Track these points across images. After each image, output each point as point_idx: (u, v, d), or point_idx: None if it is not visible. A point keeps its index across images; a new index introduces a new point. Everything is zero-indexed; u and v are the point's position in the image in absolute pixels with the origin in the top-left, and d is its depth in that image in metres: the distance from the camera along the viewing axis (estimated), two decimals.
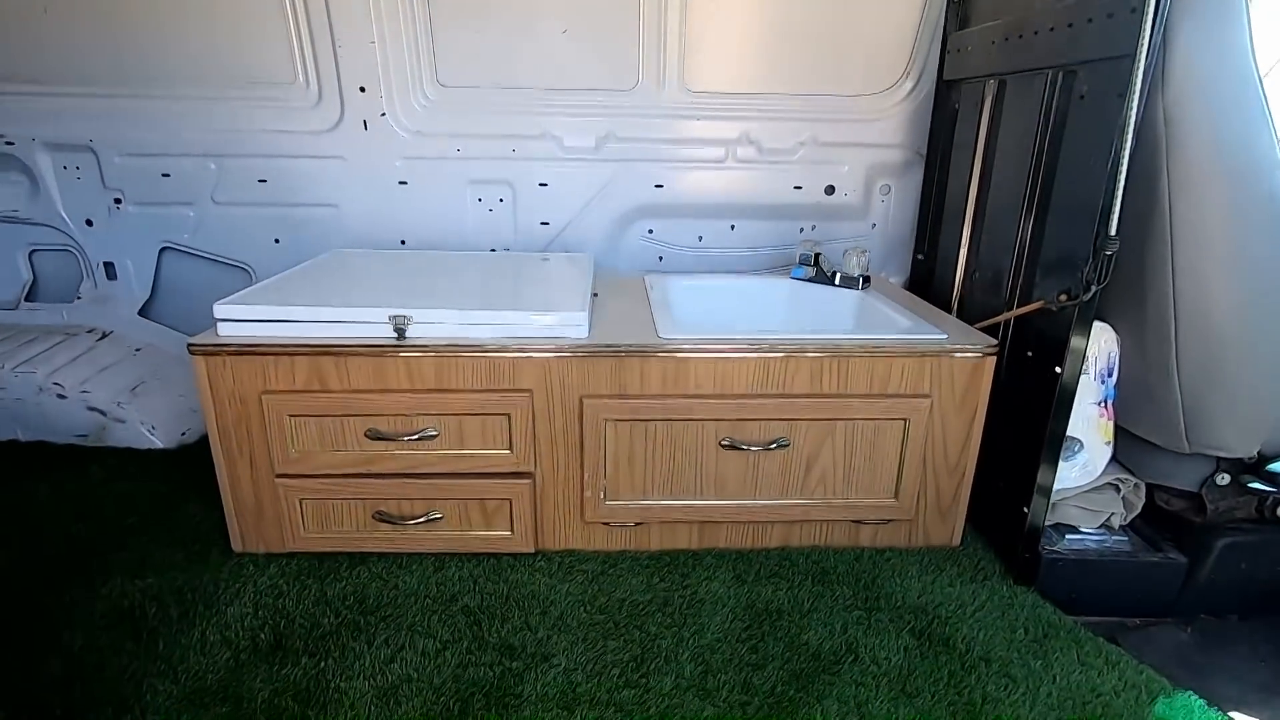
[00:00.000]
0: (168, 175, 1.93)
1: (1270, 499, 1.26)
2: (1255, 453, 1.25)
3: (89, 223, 1.97)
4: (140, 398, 1.84)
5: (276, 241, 2.00)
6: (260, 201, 1.95)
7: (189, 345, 1.28)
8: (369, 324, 1.30)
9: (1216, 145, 1.10)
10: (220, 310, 1.29)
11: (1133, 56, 1.05)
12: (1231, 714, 1.12)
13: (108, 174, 1.91)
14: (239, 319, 1.29)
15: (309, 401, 1.30)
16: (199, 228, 1.98)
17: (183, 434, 1.84)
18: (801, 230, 2.05)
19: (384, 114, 1.88)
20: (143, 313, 2.06)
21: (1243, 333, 1.15)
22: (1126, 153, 1.10)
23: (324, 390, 1.30)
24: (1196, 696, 1.11)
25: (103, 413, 1.78)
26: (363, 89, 1.85)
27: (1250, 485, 1.27)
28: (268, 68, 1.84)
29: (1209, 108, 1.09)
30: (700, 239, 2.06)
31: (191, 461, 1.72)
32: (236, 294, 1.37)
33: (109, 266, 2.01)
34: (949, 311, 1.65)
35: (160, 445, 1.80)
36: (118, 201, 1.95)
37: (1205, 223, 1.12)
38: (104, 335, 1.97)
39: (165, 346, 2.02)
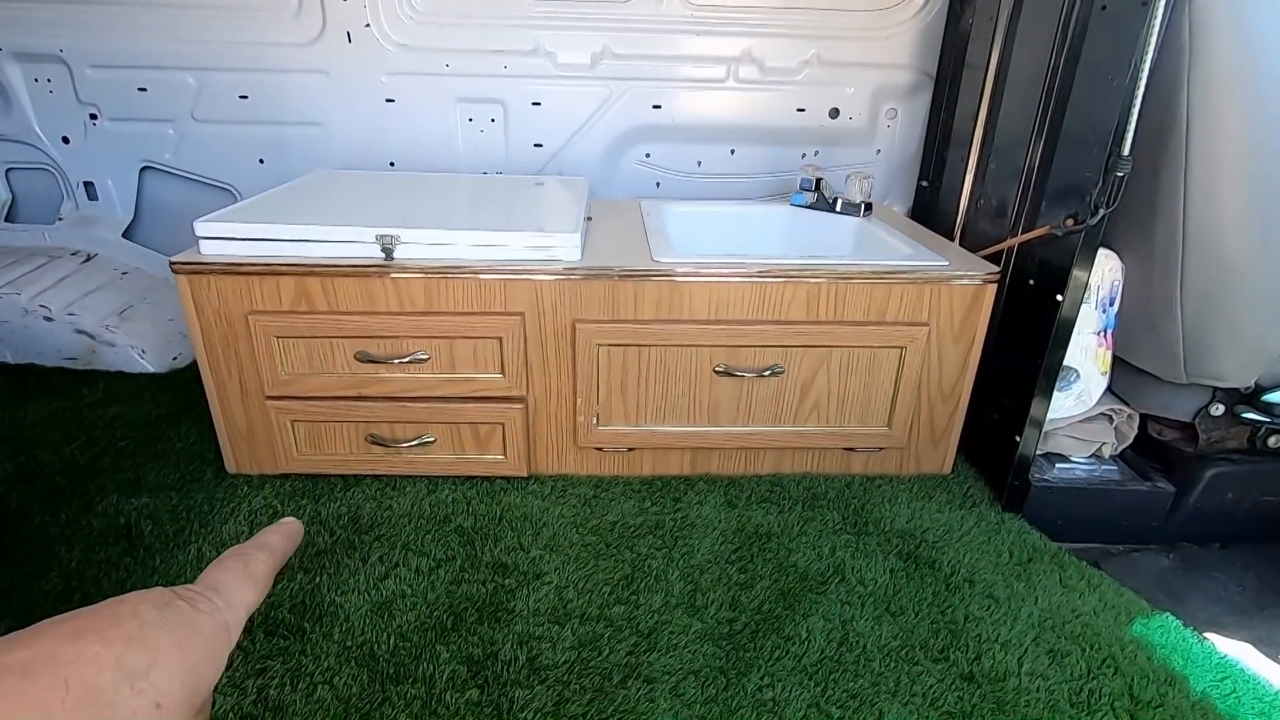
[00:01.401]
0: (144, 90, 1.84)
1: (1263, 429, 1.26)
2: (1252, 383, 1.24)
3: (65, 140, 1.90)
4: (129, 321, 1.81)
5: (261, 162, 1.93)
6: (242, 119, 1.88)
7: (171, 263, 1.24)
8: (355, 243, 1.27)
9: (1242, 58, 1.04)
10: (201, 228, 1.25)
11: None
12: (1207, 634, 1.15)
13: (81, 87, 1.83)
14: (221, 236, 1.26)
15: (296, 322, 1.27)
16: (180, 146, 1.91)
17: (174, 358, 1.83)
18: (804, 156, 1.98)
19: (368, 25, 1.78)
20: (127, 235, 2.01)
21: (1250, 259, 1.12)
22: (1147, 66, 1.04)
23: (311, 311, 1.27)
24: (1174, 618, 1.14)
25: (91, 336, 1.75)
26: None
27: (1244, 416, 1.27)
28: None
29: (1238, 17, 1.02)
30: (699, 164, 1.99)
31: (184, 385, 1.71)
32: (218, 211, 1.32)
33: (89, 186, 1.95)
34: (951, 239, 1.61)
35: (151, 369, 1.78)
36: (93, 117, 1.87)
37: (1222, 143, 1.07)
38: (88, 258, 1.93)
39: (152, 270, 1.98)
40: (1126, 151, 1.09)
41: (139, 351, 1.78)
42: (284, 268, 1.24)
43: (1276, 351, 1.21)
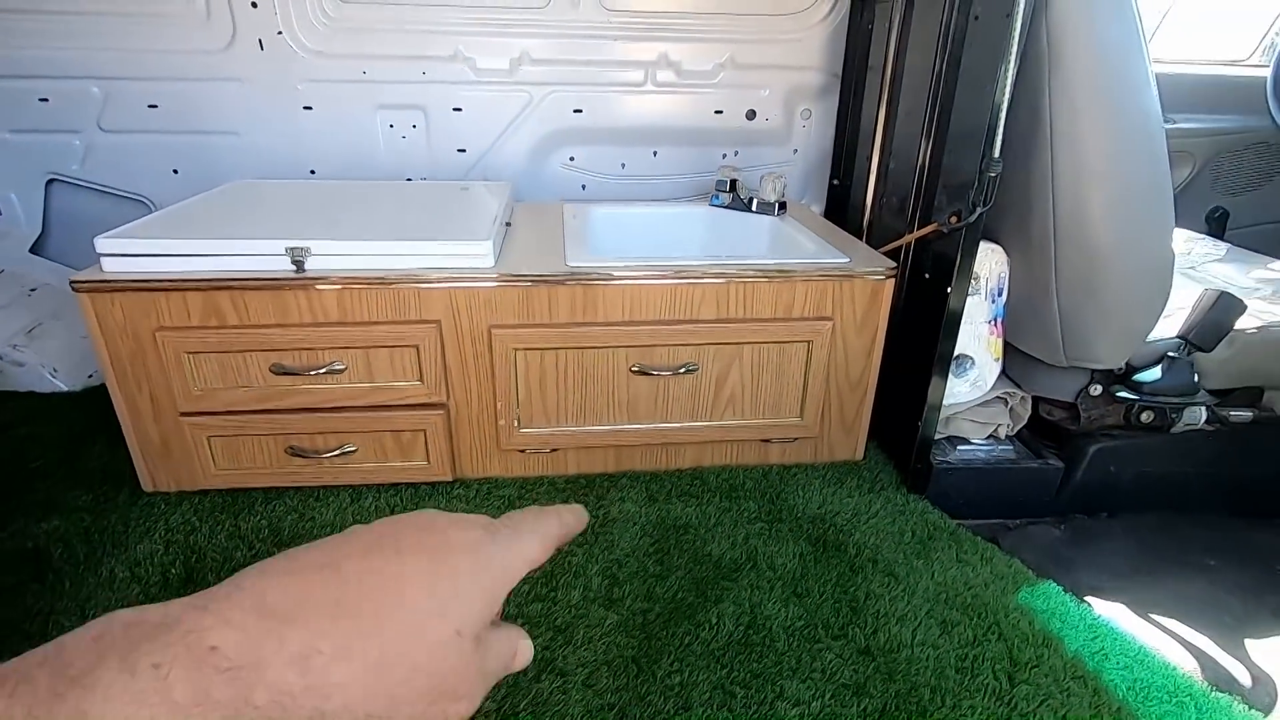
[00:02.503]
0: (46, 100, 1.79)
1: (1136, 406, 1.37)
2: (1124, 364, 1.34)
3: None
4: (39, 339, 1.76)
5: (175, 172, 1.89)
6: (153, 129, 1.84)
7: (71, 282, 1.22)
8: (266, 256, 1.27)
9: (1094, 64, 1.12)
10: (103, 245, 1.24)
11: None
12: (1087, 598, 1.24)
13: None
14: (125, 253, 1.24)
15: (207, 337, 1.27)
16: (87, 157, 1.85)
17: (89, 376, 1.78)
18: (725, 156, 2.04)
19: (280, 32, 1.76)
20: (36, 250, 1.95)
21: (1115, 248, 1.22)
22: (1011, 74, 1.12)
23: (221, 326, 1.27)
24: (1055, 585, 1.23)
25: None
26: (254, 4, 1.73)
27: (1119, 395, 1.37)
28: None
29: (1088, 27, 1.11)
30: (623, 166, 2.03)
31: (98, 403, 1.66)
32: (121, 227, 1.30)
33: None
34: (860, 236, 1.69)
35: (64, 388, 1.74)
36: None
37: (1083, 141, 1.16)
38: None
39: (62, 286, 1.91)
40: (997, 154, 1.17)
41: (50, 370, 1.73)
42: (191, 283, 1.24)
43: (1143, 334, 1.31)
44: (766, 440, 1.52)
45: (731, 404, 1.46)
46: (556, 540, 0.34)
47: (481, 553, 0.30)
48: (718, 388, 1.44)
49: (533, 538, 0.32)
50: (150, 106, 1.81)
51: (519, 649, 0.32)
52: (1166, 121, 2.01)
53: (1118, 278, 1.24)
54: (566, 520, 0.35)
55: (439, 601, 0.27)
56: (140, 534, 1.28)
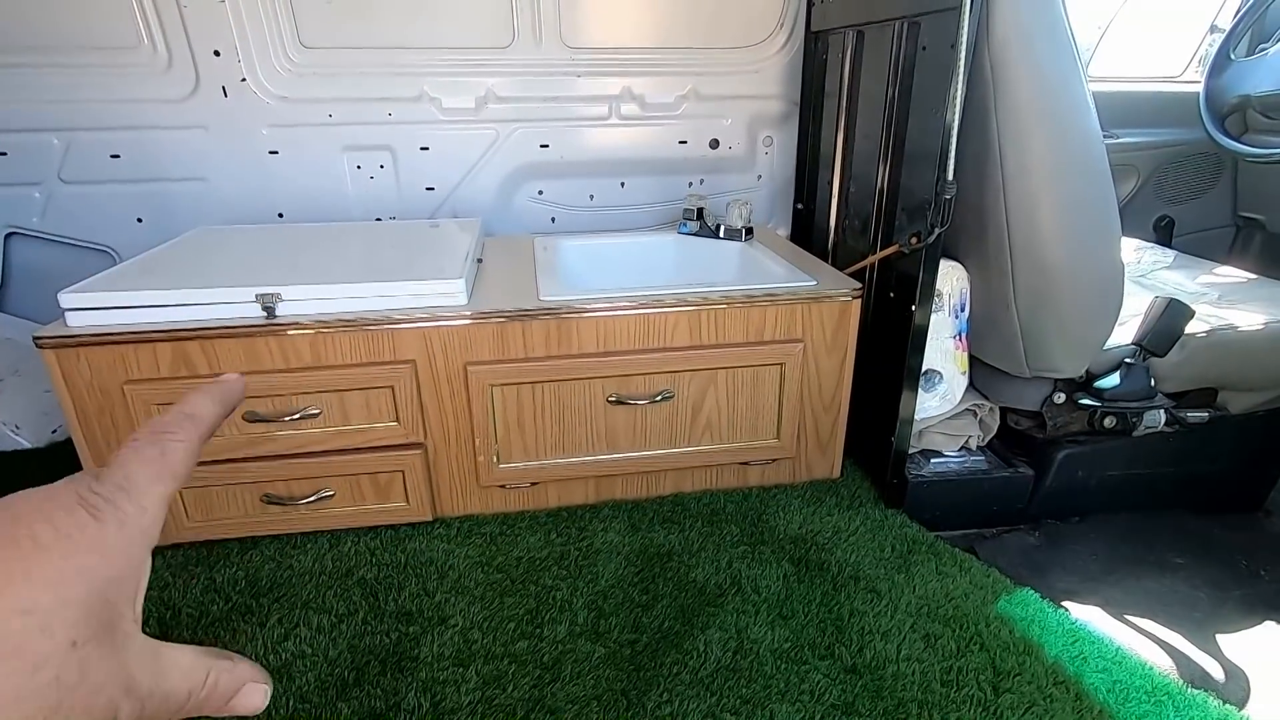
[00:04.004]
0: (4, 154, 1.77)
1: (1098, 412, 1.41)
2: (1084, 372, 1.39)
3: None
4: (0, 396, 1.72)
5: (139, 221, 1.88)
6: (115, 178, 1.82)
7: (35, 338, 1.21)
8: (235, 304, 1.26)
9: (1036, 89, 1.18)
10: (66, 299, 1.22)
11: (959, 9, 1.11)
12: (1064, 603, 1.27)
13: None
14: (90, 306, 1.23)
15: (176, 388, 1.25)
16: (48, 209, 1.83)
17: (53, 432, 1.74)
18: (690, 185, 2.08)
19: (244, 79, 1.77)
20: None
21: (1067, 262, 1.27)
22: (959, 101, 1.17)
23: (192, 376, 1.25)
24: (1033, 591, 1.25)
25: None
26: (217, 53, 1.74)
27: (1081, 402, 1.41)
28: (108, 31, 1.69)
29: (1028, 54, 1.16)
30: (592, 198, 2.06)
31: (64, 460, 1.63)
32: (85, 280, 1.29)
33: None
34: (825, 258, 1.73)
35: (28, 445, 1.69)
36: None
37: (1029, 161, 1.21)
38: None
39: (24, 340, 1.88)
40: (950, 176, 1.21)
41: (12, 428, 1.68)
42: (159, 334, 1.22)
43: (1100, 343, 1.36)
44: (745, 463, 1.54)
45: (709, 429, 1.47)
46: (195, 453, 0.29)
47: (74, 546, 0.23)
48: (694, 413, 1.45)
49: (149, 496, 0.26)
50: (112, 156, 1.80)
51: (218, 683, 0.27)
52: (1110, 137, 2.11)
53: (1071, 290, 1.29)
54: (205, 416, 0.30)
55: (34, 616, 0.22)
56: None
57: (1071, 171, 1.23)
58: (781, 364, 1.44)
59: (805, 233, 1.95)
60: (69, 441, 1.71)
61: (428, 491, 1.41)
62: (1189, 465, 1.52)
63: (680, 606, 1.22)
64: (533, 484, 1.47)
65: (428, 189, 1.96)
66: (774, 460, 1.54)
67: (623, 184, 2.05)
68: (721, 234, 1.80)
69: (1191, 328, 1.36)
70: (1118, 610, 1.26)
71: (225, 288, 1.26)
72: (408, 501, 1.41)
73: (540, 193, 2.03)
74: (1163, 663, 1.15)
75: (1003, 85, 1.19)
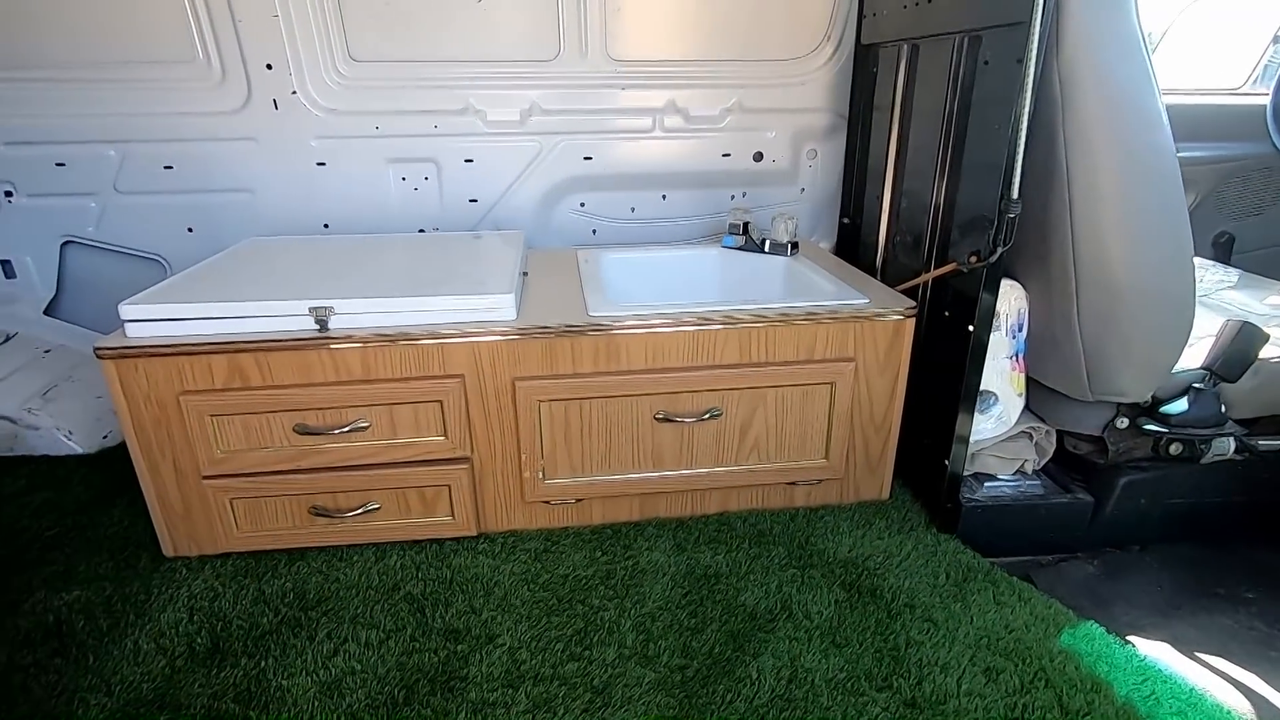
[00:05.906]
0: (63, 165, 1.81)
1: (1164, 438, 1.36)
2: (1149, 397, 1.34)
3: None
4: (54, 402, 1.75)
5: (190, 231, 1.91)
6: (168, 189, 1.86)
7: (95, 349, 1.22)
8: (288, 317, 1.27)
9: (1107, 104, 1.14)
10: (127, 311, 1.24)
11: (1028, 23, 1.08)
12: (1130, 637, 1.22)
13: None
14: (148, 319, 1.24)
15: (231, 400, 1.26)
16: (103, 219, 1.87)
17: (104, 437, 1.77)
18: (733, 198, 2.06)
19: (295, 92, 1.79)
20: (50, 312, 1.95)
21: (1136, 283, 1.22)
22: (1025, 117, 1.13)
23: (246, 387, 1.26)
24: (1098, 625, 1.20)
25: (12, 420, 1.69)
26: (269, 66, 1.76)
27: (1145, 427, 1.36)
28: (164, 45, 1.73)
29: (1099, 69, 1.13)
30: (633, 210, 2.05)
31: (115, 465, 1.65)
32: (144, 292, 1.31)
33: (6, 265, 1.89)
34: (873, 274, 1.70)
35: (80, 450, 1.72)
36: (8, 195, 1.82)
37: (1099, 179, 1.17)
38: (7, 338, 1.86)
39: (77, 346, 1.92)
40: (1015, 195, 1.18)
41: (65, 433, 1.72)
42: (215, 346, 1.23)
43: (1168, 367, 1.31)
44: (792, 483, 1.51)
45: (756, 448, 1.45)
46: None
47: None
48: (742, 432, 1.43)
49: None
50: (166, 168, 1.84)
51: None
52: None
53: (1140, 311, 1.25)
54: None
55: None
56: (164, 602, 1.25)
57: (1143, 189, 1.19)
58: (832, 383, 1.41)
59: (851, 247, 1.92)
60: (120, 447, 1.74)
61: (473, 506, 1.40)
62: (1260, 495, 1.46)
63: (730, 631, 1.20)
64: (577, 500, 1.46)
65: (470, 201, 1.97)
66: (821, 480, 1.51)
67: (664, 196, 2.04)
68: (767, 248, 1.77)
69: (1265, 352, 1.31)
70: (1187, 647, 1.20)
71: (279, 300, 1.27)
72: (453, 516, 1.40)
73: (582, 205, 2.02)
74: (1240, 705, 1.09)
75: (1072, 100, 1.15)
